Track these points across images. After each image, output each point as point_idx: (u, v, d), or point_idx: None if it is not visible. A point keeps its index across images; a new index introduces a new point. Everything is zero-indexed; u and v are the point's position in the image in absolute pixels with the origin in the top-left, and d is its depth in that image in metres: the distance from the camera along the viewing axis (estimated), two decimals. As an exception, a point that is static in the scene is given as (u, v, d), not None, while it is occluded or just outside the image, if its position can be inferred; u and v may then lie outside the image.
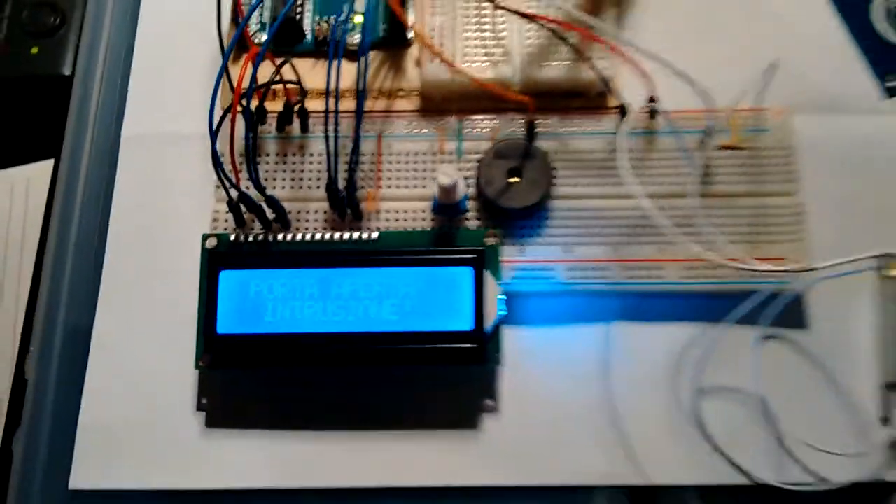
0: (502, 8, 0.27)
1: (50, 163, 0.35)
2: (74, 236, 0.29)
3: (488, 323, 0.24)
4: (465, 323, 0.24)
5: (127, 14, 0.32)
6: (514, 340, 0.26)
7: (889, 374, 0.26)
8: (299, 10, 0.29)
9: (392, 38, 0.29)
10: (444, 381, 0.26)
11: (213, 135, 0.23)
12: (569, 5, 0.27)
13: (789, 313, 0.27)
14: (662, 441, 0.26)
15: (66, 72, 0.36)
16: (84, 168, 0.30)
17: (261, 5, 0.29)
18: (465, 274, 0.24)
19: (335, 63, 0.24)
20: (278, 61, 0.27)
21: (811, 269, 0.25)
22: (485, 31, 0.28)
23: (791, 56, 0.29)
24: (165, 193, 0.29)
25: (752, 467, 0.25)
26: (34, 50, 0.37)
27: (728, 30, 0.30)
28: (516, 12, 0.27)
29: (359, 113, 0.25)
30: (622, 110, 0.27)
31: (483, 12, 0.28)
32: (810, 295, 0.27)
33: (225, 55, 0.24)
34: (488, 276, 0.24)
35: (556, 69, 0.27)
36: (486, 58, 0.27)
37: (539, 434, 0.26)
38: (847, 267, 0.25)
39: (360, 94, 0.25)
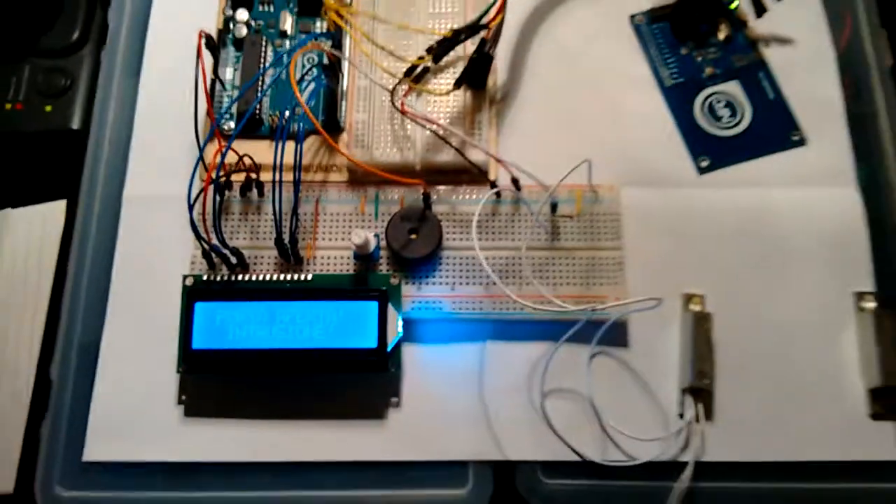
0: (407, 114, 0.35)
1: (62, 203, 0.41)
2: (87, 271, 0.36)
3: (389, 342, 0.32)
4: (372, 342, 0.32)
5: (126, 104, 0.39)
6: (412, 354, 0.34)
7: (685, 381, 0.33)
8: (258, 106, 0.36)
9: (328, 127, 0.36)
10: (360, 384, 0.34)
11: (191, 207, 0.31)
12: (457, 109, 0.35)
13: (614, 335, 0.34)
14: (518, 428, 0.33)
15: (75, 126, 0.42)
16: (95, 217, 0.37)
17: (227, 95, 0.37)
18: (373, 306, 0.32)
19: (280, 145, 0.32)
20: (241, 150, 0.34)
21: (623, 304, 0.33)
22: (395, 126, 0.36)
23: (627, 141, 0.37)
24: (157, 241, 0.36)
25: (582, 449, 0.33)
26: (48, 108, 0.42)
27: (578, 121, 0.38)
28: (416, 117, 0.35)
29: (296, 183, 0.33)
30: (493, 185, 0.35)
31: (394, 114, 0.36)
32: (630, 322, 0.34)
33: (200, 148, 0.32)
34: (390, 308, 0.32)
35: (446, 155, 0.35)
36: (395, 146, 0.35)
37: (430, 423, 0.33)
38: (650, 303, 0.32)
39: (297, 169, 0.33)
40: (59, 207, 0.41)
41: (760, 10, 0.38)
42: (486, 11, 0.35)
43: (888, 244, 0.36)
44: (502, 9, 0.34)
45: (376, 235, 0.34)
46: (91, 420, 0.34)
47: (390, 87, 0.35)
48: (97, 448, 0.33)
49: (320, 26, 0.38)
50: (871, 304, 0.35)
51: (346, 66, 0.37)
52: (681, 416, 0.33)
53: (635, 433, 0.33)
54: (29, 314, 0.39)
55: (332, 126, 0.36)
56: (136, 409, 0.34)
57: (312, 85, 0.35)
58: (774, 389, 0.34)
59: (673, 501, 0.32)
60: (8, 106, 0.42)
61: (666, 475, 0.33)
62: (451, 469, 0.33)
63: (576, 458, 0.33)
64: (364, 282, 0.34)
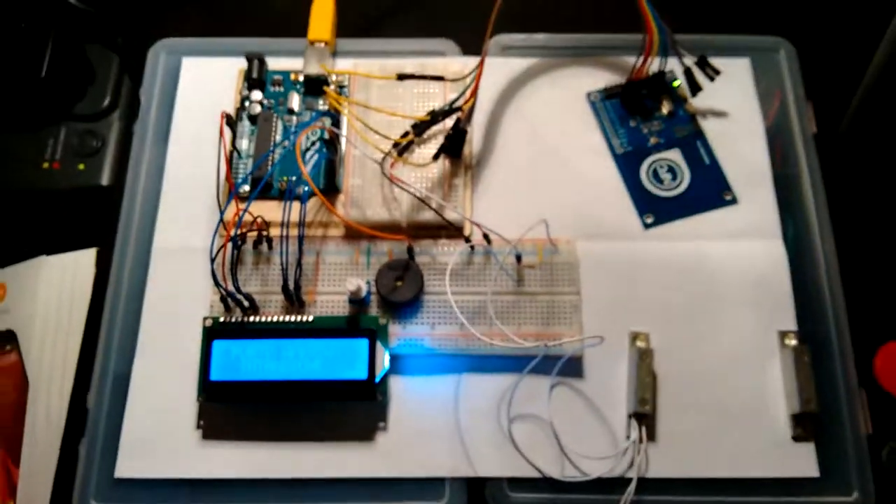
0: (395, 180, 0.41)
1: (92, 251, 0.45)
2: (121, 311, 0.41)
3: (377, 374, 0.37)
4: (363, 374, 0.37)
5: (156, 168, 0.44)
6: (397, 385, 0.39)
7: (631, 408, 0.38)
8: (271, 173, 0.42)
9: (329, 189, 0.41)
10: (352, 410, 0.38)
11: (212, 261, 0.36)
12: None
13: (571, 368, 0.39)
14: (488, 448, 0.38)
15: (105, 183, 0.46)
16: (128, 265, 0.42)
17: (242, 163, 0.43)
18: (363, 343, 0.37)
19: (287, 206, 0.38)
20: (254, 210, 0.39)
21: (571, 340, 0.38)
22: (384, 190, 0.41)
23: (584, 201, 0.43)
24: (180, 287, 0.40)
25: (543, 466, 0.37)
26: (81, 166, 0.47)
27: (541, 184, 0.43)
28: (402, 182, 0.40)
29: (300, 239, 0.39)
30: (467, 240, 0.40)
31: (384, 180, 0.41)
32: (585, 357, 0.39)
33: (222, 210, 0.38)
34: (378, 345, 0.38)
35: (427, 214, 0.41)
36: (384, 206, 0.41)
37: (412, 444, 0.38)
38: (595, 340, 0.37)
39: (301, 226, 0.39)
40: (89, 255, 0.45)
41: (695, 88, 0.44)
42: (461, 95, 0.41)
43: (808, 289, 0.41)
44: (474, 93, 0.40)
45: (367, 282, 0.39)
46: (122, 441, 0.38)
47: (380, 158, 0.41)
48: (128, 465, 0.38)
49: (323, 104, 0.44)
50: (793, 342, 0.40)
51: (343, 140, 0.42)
52: (628, 437, 0.38)
53: (588, 452, 0.37)
54: (62, 347, 0.43)
55: (332, 189, 0.42)
56: (162, 432, 0.38)
57: (316, 156, 0.41)
58: (709, 415, 0.38)
59: (620, 513, 0.37)
60: (45, 165, 0.47)
61: (615, 489, 0.37)
62: (430, 484, 0.38)
63: (537, 474, 0.37)
64: (356, 322, 0.39)
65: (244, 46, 0.45)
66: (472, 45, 0.44)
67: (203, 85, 0.46)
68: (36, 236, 0.47)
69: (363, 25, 0.51)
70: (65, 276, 0.45)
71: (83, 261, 0.46)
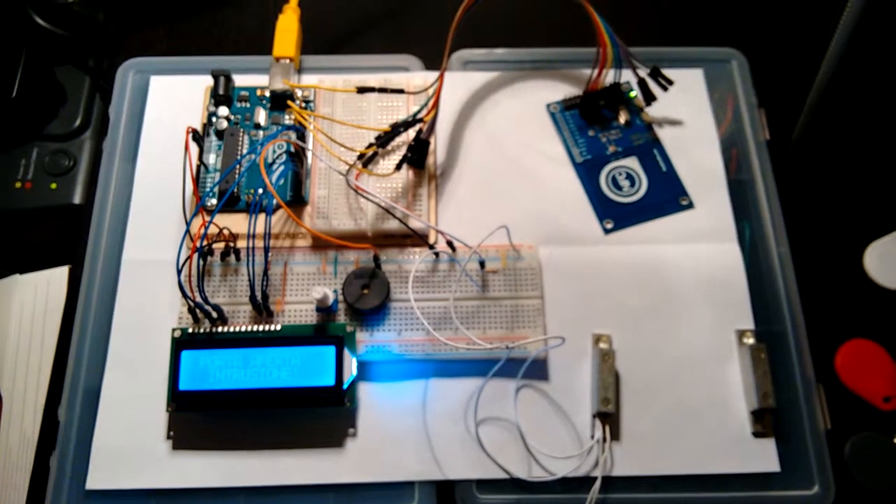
0: (360, 191, 0.42)
1: (65, 269, 0.46)
2: (91, 325, 0.41)
3: (345, 380, 0.38)
4: (330, 380, 0.37)
5: (125, 184, 0.44)
6: (366, 391, 0.39)
7: (595, 408, 0.39)
8: (235, 185, 0.42)
9: (295, 201, 0.42)
10: (321, 417, 0.39)
11: (179, 271, 0.37)
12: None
13: (536, 370, 0.40)
14: (457, 451, 0.38)
15: (77, 201, 0.47)
16: (98, 278, 0.42)
17: (210, 177, 0.43)
18: (331, 350, 0.38)
19: (253, 218, 0.39)
20: (221, 223, 0.40)
21: (533, 341, 0.39)
22: (350, 200, 0.42)
23: (545, 208, 0.44)
24: (149, 300, 0.41)
25: (510, 467, 0.38)
26: (53, 186, 0.47)
27: (504, 193, 0.44)
28: (367, 193, 0.41)
29: (266, 249, 0.39)
30: (431, 247, 0.41)
31: (349, 191, 0.42)
32: (550, 359, 0.40)
33: (188, 222, 0.39)
34: (346, 352, 0.38)
35: (392, 224, 0.41)
36: (350, 217, 0.42)
37: (381, 449, 0.38)
38: (556, 340, 0.39)
39: (267, 237, 0.39)
40: (62, 273, 0.46)
41: (649, 98, 0.45)
42: (423, 107, 0.42)
43: (764, 289, 0.43)
44: (435, 105, 0.41)
45: (335, 291, 0.40)
46: (93, 453, 0.38)
47: (345, 170, 0.42)
48: (98, 477, 0.38)
49: (289, 119, 0.45)
50: (750, 340, 0.41)
51: (308, 153, 0.43)
52: (592, 436, 0.39)
53: (554, 452, 0.38)
54: (35, 364, 0.43)
55: (299, 200, 0.43)
56: (132, 444, 0.38)
57: (282, 167, 0.42)
58: (671, 413, 0.39)
59: (586, 511, 0.37)
60: (18, 185, 0.47)
61: (581, 488, 0.38)
62: (400, 488, 0.38)
63: (505, 475, 0.38)
64: (324, 330, 0.39)
65: (211, 64, 0.46)
66: (435, 62, 0.45)
67: (171, 102, 0.47)
68: (9, 255, 0.47)
69: (329, 44, 0.52)
70: (38, 295, 0.46)
71: (56, 279, 0.46)
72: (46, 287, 0.46)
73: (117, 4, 0.53)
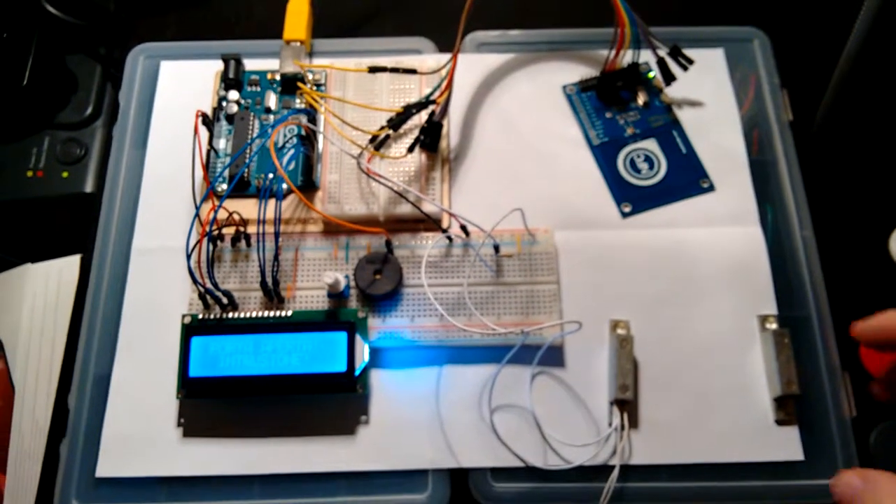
0: (372, 174, 0.41)
1: (76, 257, 0.46)
2: (101, 312, 0.41)
3: (357, 367, 0.37)
4: (342, 367, 0.37)
5: (135, 171, 0.44)
6: (378, 378, 0.39)
7: (612, 395, 0.38)
8: (246, 169, 0.42)
9: (306, 186, 0.42)
10: (333, 404, 0.38)
11: (188, 257, 0.37)
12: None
13: (552, 357, 0.39)
14: (471, 439, 0.38)
15: (88, 189, 0.47)
16: (108, 266, 0.42)
17: (220, 162, 0.43)
18: (342, 336, 0.37)
19: (264, 203, 0.38)
20: (232, 208, 0.40)
21: (549, 325, 0.38)
22: (362, 184, 0.42)
23: (562, 192, 0.43)
24: (160, 286, 0.41)
25: (526, 455, 0.37)
26: (64, 174, 0.47)
27: (519, 176, 0.43)
28: (379, 176, 0.40)
29: (276, 234, 0.39)
30: (444, 232, 0.41)
31: (361, 175, 0.41)
32: (566, 345, 0.39)
33: (197, 207, 0.38)
34: (358, 338, 0.38)
35: (404, 208, 0.41)
36: (362, 201, 0.41)
37: (394, 437, 0.38)
38: (573, 325, 0.38)
39: (277, 222, 0.39)
40: (74, 262, 0.46)
41: (669, 78, 0.44)
42: (436, 89, 0.41)
43: (787, 274, 0.42)
44: (448, 86, 0.41)
45: (346, 276, 0.40)
46: (103, 441, 0.38)
47: (356, 154, 0.41)
48: (108, 465, 0.38)
49: (300, 102, 0.44)
50: (773, 325, 0.40)
51: (320, 136, 0.43)
52: (610, 424, 0.38)
53: (571, 440, 0.38)
54: (47, 353, 0.43)
55: (310, 185, 0.42)
56: (142, 431, 0.38)
57: (292, 151, 0.42)
58: (691, 400, 0.39)
59: (603, 500, 0.36)
60: (30, 173, 0.47)
61: (598, 477, 0.37)
62: (412, 476, 0.38)
63: (520, 464, 0.37)
64: (335, 316, 0.39)
65: (222, 49, 0.46)
66: (449, 45, 0.44)
67: (181, 87, 0.46)
68: (21, 244, 0.47)
69: (341, 28, 0.52)
70: (49, 284, 0.46)
71: (67, 268, 0.46)
72: (58, 276, 0.46)
73: (128, -8, 0.53)
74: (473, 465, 0.38)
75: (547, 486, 0.37)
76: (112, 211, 0.44)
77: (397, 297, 0.40)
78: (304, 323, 0.38)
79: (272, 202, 0.39)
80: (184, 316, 0.39)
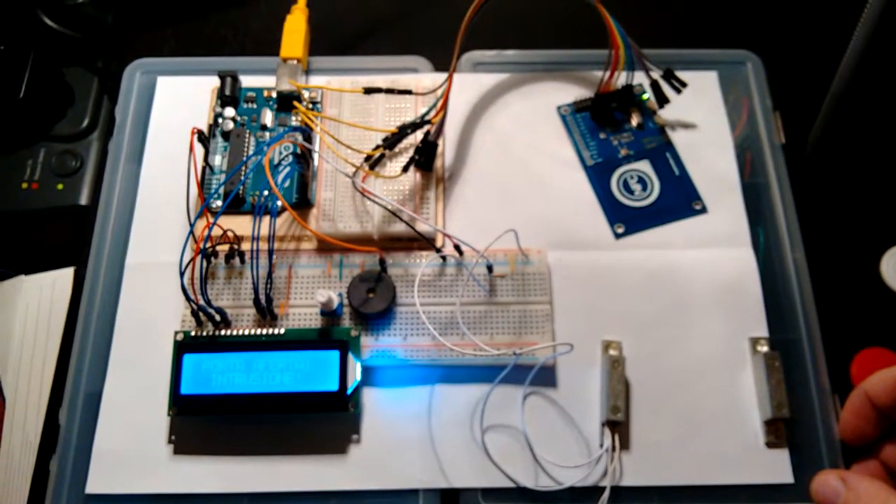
0: (366, 193, 0.41)
1: (70, 270, 0.46)
2: (94, 328, 0.40)
3: (349, 385, 0.37)
4: (334, 385, 0.37)
5: (130, 186, 0.44)
6: (370, 397, 0.39)
7: (604, 416, 0.38)
8: (241, 186, 0.42)
9: (301, 203, 0.42)
10: (325, 422, 0.38)
11: (182, 273, 0.37)
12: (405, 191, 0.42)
13: (544, 377, 0.39)
14: (462, 459, 0.37)
15: (83, 202, 0.47)
16: (101, 281, 0.42)
17: (216, 178, 0.43)
18: (335, 355, 0.37)
19: (258, 221, 0.38)
20: (226, 225, 0.40)
21: (541, 347, 0.38)
22: (356, 203, 0.42)
23: (555, 212, 0.43)
24: (152, 303, 0.40)
25: (517, 476, 0.37)
26: (59, 186, 0.47)
27: (513, 196, 0.43)
28: (374, 195, 0.40)
29: (270, 252, 0.39)
30: (438, 251, 0.41)
31: (355, 193, 0.42)
32: (558, 365, 0.39)
33: (191, 224, 0.39)
34: (350, 356, 0.38)
35: (398, 227, 0.41)
36: (356, 219, 0.41)
37: (385, 456, 0.37)
38: (564, 347, 0.37)
39: (271, 240, 0.39)
40: (67, 274, 0.45)
41: (662, 100, 0.44)
42: (431, 109, 0.42)
43: (779, 296, 0.42)
44: (444, 106, 0.41)
45: (339, 294, 0.40)
46: (93, 457, 0.38)
47: (351, 172, 0.41)
48: (99, 482, 0.37)
49: (296, 120, 0.45)
50: (764, 348, 0.40)
51: (315, 155, 0.43)
52: (601, 445, 0.38)
53: (562, 461, 0.37)
54: (38, 367, 0.43)
55: (304, 202, 0.42)
56: (133, 448, 0.38)
57: (288, 169, 0.42)
58: (682, 422, 0.39)
59: (594, 521, 0.37)
60: (25, 185, 0.47)
61: (589, 498, 0.37)
62: (403, 496, 0.37)
63: (511, 484, 0.37)
64: (328, 334, 0.39)
65: (218, 65, 0.46)
66: (445, 64, 0.45)
67: (178, 103, 0.46)
68: (15, 256, 0.47)
69: (338, 46, 0.52)
70: (42, 296, 0.46)
71: (61, 280, 0.46)
72: (51, 288, 0.46)
73: (126, 5, 0.53)
74: (464, 485, 0.37)
75: (538, 506, 0.37)
76: (106, 225, 0.44)
77: (390, 315, 0.40)
78: (297, 341, 0.38)
79: (266, 219, 0.39)
80: (176, 333, 0.38)
